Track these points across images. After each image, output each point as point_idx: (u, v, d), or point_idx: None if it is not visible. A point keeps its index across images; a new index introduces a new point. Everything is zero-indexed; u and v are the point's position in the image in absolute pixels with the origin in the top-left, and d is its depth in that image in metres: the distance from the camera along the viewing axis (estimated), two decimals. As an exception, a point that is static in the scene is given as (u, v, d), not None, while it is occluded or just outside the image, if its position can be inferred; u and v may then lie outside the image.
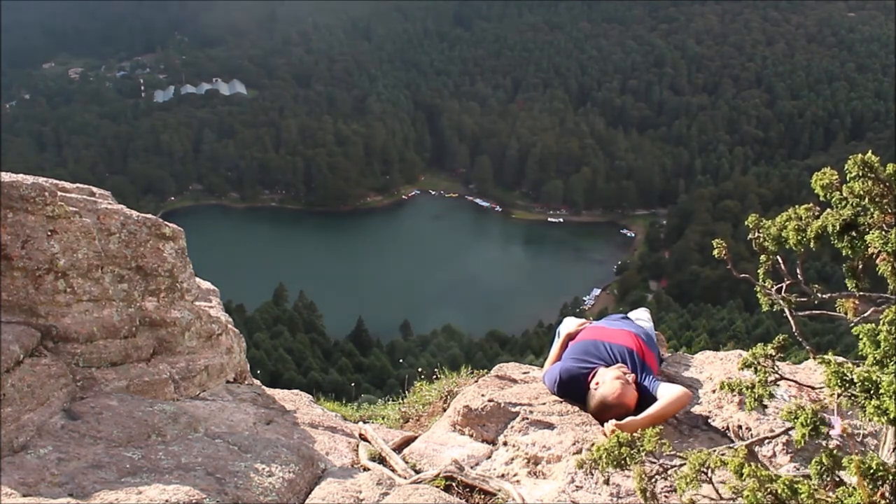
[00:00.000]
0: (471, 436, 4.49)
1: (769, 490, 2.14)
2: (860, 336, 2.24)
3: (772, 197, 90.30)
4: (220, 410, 4.42)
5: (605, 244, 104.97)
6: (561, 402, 4.43)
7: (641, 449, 2.56)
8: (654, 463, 2.62)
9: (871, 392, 2.10)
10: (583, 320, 5.18)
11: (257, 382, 6.01)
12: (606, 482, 2.80)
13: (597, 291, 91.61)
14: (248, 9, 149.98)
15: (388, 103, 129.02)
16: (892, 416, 2.03)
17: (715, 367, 4.93)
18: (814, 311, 2.99)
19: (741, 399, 3.31)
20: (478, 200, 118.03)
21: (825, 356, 2.36)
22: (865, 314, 2.63)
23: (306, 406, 5.51)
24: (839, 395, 2.22)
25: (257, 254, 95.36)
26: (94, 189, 4.87)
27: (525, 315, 77.18)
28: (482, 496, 3.82)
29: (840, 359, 3.84)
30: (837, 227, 2.55)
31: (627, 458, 2.58)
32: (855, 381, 2.15)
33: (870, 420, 2.12)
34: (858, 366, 2.32)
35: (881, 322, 2.25)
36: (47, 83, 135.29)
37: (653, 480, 2.57)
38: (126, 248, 4.27)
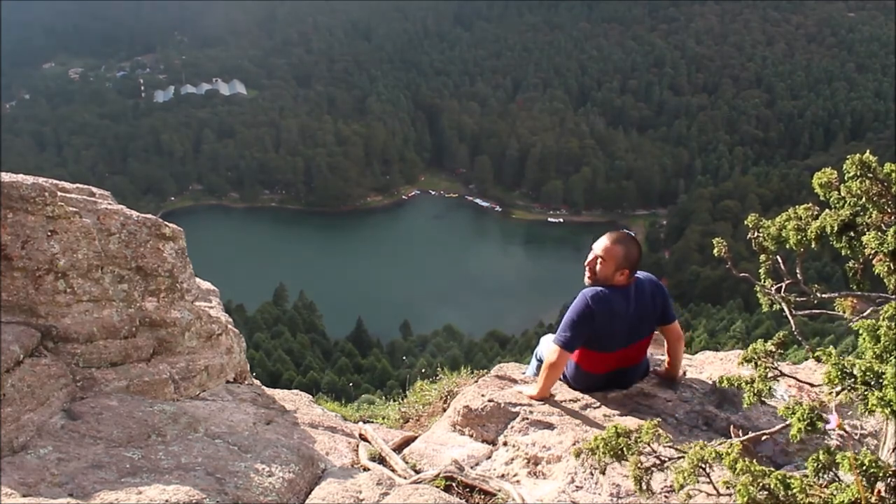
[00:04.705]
0: (471, 436, 4.49)
1: (762, 485, 2.14)
2: (860, 331, 2.24)
3: (772, 197, 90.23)
4: (220, 410, 4.42)
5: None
6: (561, 402, 4.43)
7: (639, 440, 2.57)
8: (652, 455, 2.62)
9: (873, 383, 2.11)
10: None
11: (257, 382, 6.01)
12: (603, 472, 2.80)
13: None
14: (248, 9, 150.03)
15: (388, 103, 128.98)
16: (895, 406, 2.03)
17: (715, 367, 4.94)
18: (813, 311, 3.00)
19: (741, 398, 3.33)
20: (478, 200, 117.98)
21: (823, 351, 2.37)
22: (864, 314, 2.64)
23: (306, 406, 5.51)
24: (840, 391, 2.23)
25: (257, 254, 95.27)
26: (94, 189, 4.87)
27: (525, 315, 77.15)
28: (482, 496, 3.82)
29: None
30: (836, 228, 2.55)
31: (625, 449, 2.59)
32: (856, 373, 2.15)
33: (871, 412, 2.12)
34: (860, 360, 2.33)
35: (881, 318, 2.26)
36: (47, 83, 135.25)
37: (649, 472, 2.57)
38: (126, 248, 4.27)
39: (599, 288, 4.31)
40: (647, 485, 2.53)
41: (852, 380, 2.17)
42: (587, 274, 4.41)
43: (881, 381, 2.09)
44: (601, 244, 4.36)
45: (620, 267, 4.30)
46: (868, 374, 2.13)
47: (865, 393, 2.13)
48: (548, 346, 4.63)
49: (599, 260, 4.33)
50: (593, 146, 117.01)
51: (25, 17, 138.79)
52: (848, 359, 2.28)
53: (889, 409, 2.06)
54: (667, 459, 2.59)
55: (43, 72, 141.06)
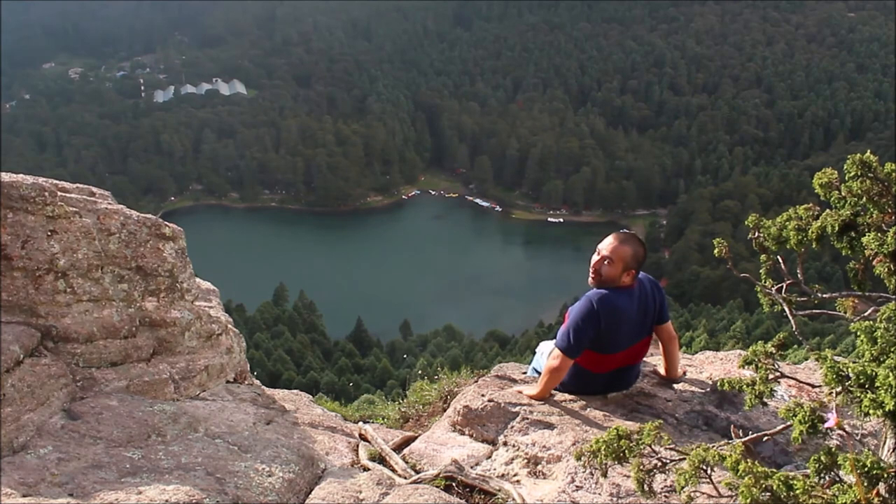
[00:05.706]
0: (471, 436, 4.48)
1: (765, 486, 2.14)
2: (858, 333, 2.24)
3: (772, 197, 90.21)
4: (220, 410, 4.41)
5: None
6: (561, 402, 4.43)
7: (640, 442, 2.56)
8: (653, 457, 2.62)
9: (867, 386, 2.10)
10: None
11: (257, 382, 6.01)
12: (604, 474, 2.79)
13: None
14: (248, 9, 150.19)
15: (388, 103, 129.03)
16: (888, 408, 2.03)
17: (715, 367, 4.94)
18: (814, 311, 2.99)
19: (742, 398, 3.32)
20: (478, 200, 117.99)
21: (819, 354, 2.36)
22: (865, 314, 2.64)
23: (306, 406, 5.51)
24: (837, 392, 2.22)
25: (257, 254, 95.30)
26: (94, 189, 4.87)
27: (525, 315, 77.10)
28: (482, 496, 3.82)
29: (839, 359, 3.84)
30: (837, 228, 2.55)
31: (626, 451, 2.58)
32: (850, 375, 2.15)
33: (865, 414, 2.12)
34: (855, 363, 2.33)
35: (878, 319, 2.25)
36: (47, 83, 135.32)
37: (651, 474, 2.57)
38: (126, 248, 4.27)
39: (605, 290, 4.22)
40: (649, 487, 2.53)
41: (848, 382, 2.16)
42: (592, 275, 4.29)
43: (874, 383, 2.08)
44: (608, 245, 4.25)
45: (628, 268, 4.23)
46: (861, 376, 2.12)
47: (860, 395, 2.12)
48: (549, 351, 4.53)
49: (607, 261, 4.22)
50: (593, 146, 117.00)
51: (25, 17, 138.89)
52: (843, 361, 2.28)
53: (881, 412, 2.05)
54: (668, 461, 2.58)
55: (43, 72, 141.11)
